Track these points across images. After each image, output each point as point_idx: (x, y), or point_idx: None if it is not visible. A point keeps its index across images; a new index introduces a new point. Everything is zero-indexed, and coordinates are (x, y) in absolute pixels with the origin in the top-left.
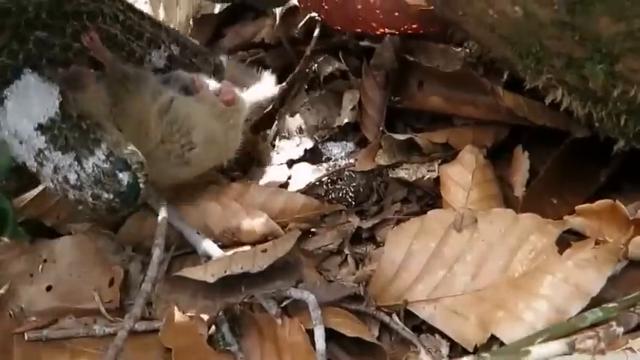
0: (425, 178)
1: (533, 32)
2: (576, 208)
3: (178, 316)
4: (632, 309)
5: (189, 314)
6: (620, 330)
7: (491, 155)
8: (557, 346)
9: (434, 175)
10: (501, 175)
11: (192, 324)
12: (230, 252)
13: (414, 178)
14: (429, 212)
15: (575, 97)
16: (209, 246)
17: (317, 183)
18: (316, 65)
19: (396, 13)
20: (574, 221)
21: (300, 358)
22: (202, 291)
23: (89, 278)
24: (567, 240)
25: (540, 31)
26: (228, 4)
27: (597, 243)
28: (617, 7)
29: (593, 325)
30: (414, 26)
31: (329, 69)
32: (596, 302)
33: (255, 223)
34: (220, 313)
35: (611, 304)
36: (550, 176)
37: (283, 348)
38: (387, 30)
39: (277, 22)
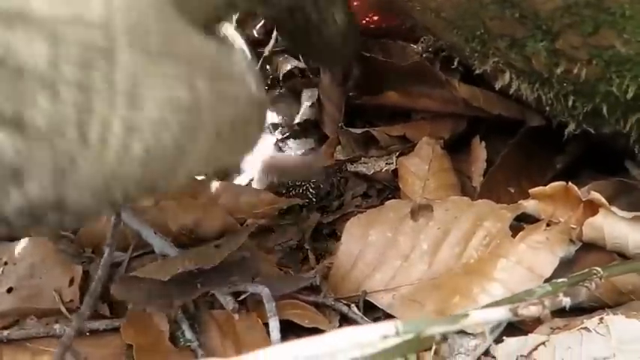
0: (383, 171)
1: (475, 13)
2: (530, 191)
3: (140, 313)
4: (581, 283)
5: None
6: (567, 300)
7: (450, 148)
8: (500, 311)
9: (392, 167)
10: (460, 167)
11: (153, 321)
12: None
13: (372, 171)
14: (386, 203)
15: (523, 79)
16: (166, 245)
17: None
18: (275, 64)
19: (356, 2)
20: (528, 204)
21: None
22: (158, 289)
23: (50, 279)
24: (522, 226)
25: (482, 12)
26: None
27: (549, 225)
28: None
29: None
30: (375, 18)
31: (287, 67)
32: None
33: (212, 219)
34: (179, 312)
35: (560, 280)
36: (506, 165)
37: (242, 342)
38: None
39: (233, 23)
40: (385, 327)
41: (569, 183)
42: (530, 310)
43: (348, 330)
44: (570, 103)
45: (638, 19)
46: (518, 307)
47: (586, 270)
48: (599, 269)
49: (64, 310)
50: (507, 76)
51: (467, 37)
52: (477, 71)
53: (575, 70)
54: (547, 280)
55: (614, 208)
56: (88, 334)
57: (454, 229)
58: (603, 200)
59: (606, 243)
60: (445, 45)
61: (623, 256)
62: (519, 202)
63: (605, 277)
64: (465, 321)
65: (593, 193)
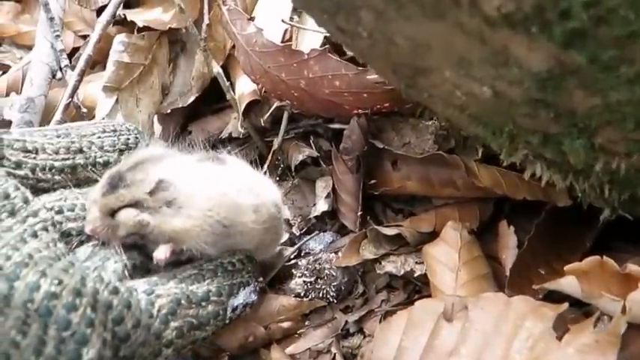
0: (415, 275)
1: (504, 111)
2: (565, 268)
3: None
4: None
5: None
6: None
7: (476, 230)
8: None
9: (424, 269)
10: (489, 250)
11: None
12: None
13: (402, 272)
14: (417, 303)
15: (555, 170)
16: None
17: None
18: (287, 155)
19: (365, 95)
20: (565, 282)
21: None
22: None
23: None
24: (564, 319)
25: (512, 110)
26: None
27: (596, 323)
28: (591, 81)
29: None
30: (387, 105)
31: (299, 157)
32: None
33: (233, 328)
34: None
35: None
36: (535, 246)
37: None
38: (360, 110)
39: (240, 115)
40: None
41: (604, 257)
42: None
43: None
44: (607, 192)
45: None
46: None
47: None
48: None
49: None
50: (538, 167)
51: (494, 132)
52: (505, 163)
53: (615, 164)
54: None
55: None
56: None
57: (493, 331)
58: None
59: None
60: (468, 135)
61: None
62: (556, 280)
63: None
64: None
65: (630, 265)
